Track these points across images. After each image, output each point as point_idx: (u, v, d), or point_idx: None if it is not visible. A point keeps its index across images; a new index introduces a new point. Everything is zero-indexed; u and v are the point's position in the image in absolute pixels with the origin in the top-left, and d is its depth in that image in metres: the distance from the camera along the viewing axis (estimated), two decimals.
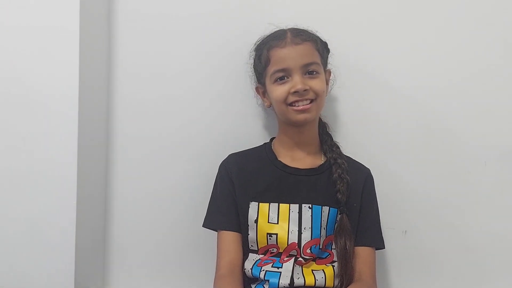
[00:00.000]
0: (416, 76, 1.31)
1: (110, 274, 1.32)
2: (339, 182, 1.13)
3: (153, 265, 1.33)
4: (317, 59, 1.14)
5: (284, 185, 1.14)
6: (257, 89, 1.23)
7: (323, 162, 1.18)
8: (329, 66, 1.22)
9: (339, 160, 1.15)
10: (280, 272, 1.10)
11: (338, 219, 1.13)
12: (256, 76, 1.22)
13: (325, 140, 1.20)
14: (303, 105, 1.10)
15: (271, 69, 1.13)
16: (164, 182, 1.31)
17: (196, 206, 1.27)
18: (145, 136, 1.31)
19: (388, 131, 1.31)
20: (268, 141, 1.24)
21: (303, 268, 1.11)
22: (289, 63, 1.11)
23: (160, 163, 1.31)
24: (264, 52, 1.16)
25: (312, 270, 1.11)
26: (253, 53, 1.21)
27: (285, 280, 1.09)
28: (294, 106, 1.11)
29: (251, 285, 1.13)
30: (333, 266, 1.12)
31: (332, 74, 1.22)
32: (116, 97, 1.31)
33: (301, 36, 1.14)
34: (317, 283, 1.10)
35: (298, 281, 1.09)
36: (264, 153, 1.19)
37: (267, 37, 1.17)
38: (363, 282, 1.11)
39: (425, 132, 1.31)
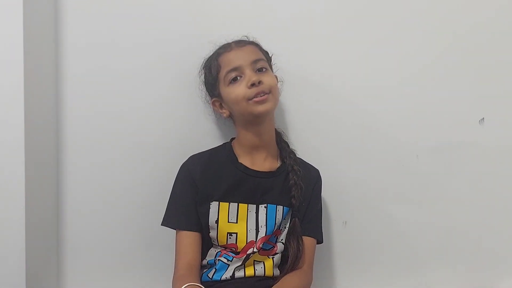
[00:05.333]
0: (352, 79, 1.38)
1: (64, 276, 1.34)
2: (294, 189, 1.19)
3: (108, 266, 1.34)
4: (263, 57, 1.21)
5: (244, 187, 1.19)
6: (213, 103, 1.25)
7: (279, 165, 1.24)
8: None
9: (295, 167, 1.21)
10: (228, 265, 1.17)
11: (291, 223, 1.20)
12: (209, 90, 1.26)
13: (283, 147, 1.26)
14: (261, 96, 1.15)
15: (223, 72, 1.18)
16: (117, 181, 1.32)
17: (151, 205, 1.30)
18: (97, 135, 1.31)
19: (329, 129, 1.38)
20: (228, 141, 1.27)
21: (245, 263, 1.17)
22: (239, 62, 1.17)
23: (113, 163, 1.32)
24: (213, 62, 1.22)
25: (253, 261, 1.18)
26: (202, 70, 1.27)
27: (228, 274, 1.16)
28: (254, 98, 1.15)
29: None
30: (273, 258, 1.19)
31: (278, 79, 1.27)
32: (66, 98, 1.30)
33: (244, 41, 1.23)
34: (257, 273, 1.17)
35: (239, 273, 1.16)
36: (225, 154, 1.23)
37: (212, 53, 1.24)
38: (300, 269, 1.19)
39: (362, 129, 1.38)
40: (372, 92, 1.38)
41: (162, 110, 1.34)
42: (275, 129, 1.28)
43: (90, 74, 1.31)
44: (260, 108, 1.15)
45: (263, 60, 1.20)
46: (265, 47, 1.27)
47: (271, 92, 1.17)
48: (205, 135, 1.34)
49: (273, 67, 1.29)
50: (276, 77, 1.26)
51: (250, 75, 1.16)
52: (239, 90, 1.16)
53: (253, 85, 1.14)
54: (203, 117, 1.33)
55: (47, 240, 1.29)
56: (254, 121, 1.19)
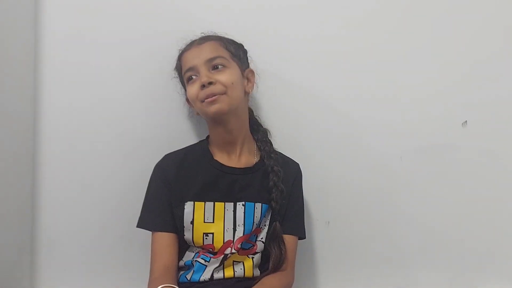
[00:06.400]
0: (336, 79, 1.38)
1: (38, 274, 1.33)
2: (274, 191, 1.17)
3: (83, 265, 1.33)
4: (223, 54, 1.17)
5: (220, 184, 1.17)
6: (187, 99, 1.25)
7: (257, 160, 1.22)
8: (259, 72, 1.27)
9: (275, 168, 1.19)
10: (206, 266, 1.15)
11: (271, 227, 1.18)
12: (184, 88, 1.26)
13: (264, 147, 1.23)
14: (211, 97, 1.13)
15: (183, 71, 1.19)
16: (94, 180, 1.33)
17: (128, 205, 1.29)
18: (75, 133, 1.32)
19: (312, 129, 1.38)
20: (204, 138, 1.26)
21: (224, 264, 1.15)
22: (194, 61, 1.16)
23: (91, 162, 1.32)
24: (178, 61, 1.23)
25: (233, 261, 1.16)
26: (175, 70, 1.26)
27: (207, 275, 1.14)
28: (206, 99, 1.13)
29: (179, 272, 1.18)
30: (252, 258, 1.18)
31: (255, 73, 1.25)
32: (44, 93, 1.31)
33: (206, 37, 1.20)
34: (236, 274, 1.15)
35: (218, 275, 1.14)
36: (200, 152, 1.21)
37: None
38: (280, 271, 1.17)
39: (346, 129, 1.39)
40: (356, 93, 1.38)
41: (142, 108, 1.34)
42: (261, 127, 1.27)
43: (69, 69, 1.32)
44: (212, 109, 1.13)
45: (220, 57, 1.16)
46: (246, 46, 1.25)
47: (226, 93, 1.13)
48: (186, 132, 1.33)
49: (249, 60, 1.26)
50: (253, 72, 1.24)
51: (202, 75, 1.14)
52: (193, 90, 1.15)
53: (203, 86, 1.13)
54: (183, 114, 1.33)
55: (20, 238, 1.28)
56: (214, 120, 1.17)
